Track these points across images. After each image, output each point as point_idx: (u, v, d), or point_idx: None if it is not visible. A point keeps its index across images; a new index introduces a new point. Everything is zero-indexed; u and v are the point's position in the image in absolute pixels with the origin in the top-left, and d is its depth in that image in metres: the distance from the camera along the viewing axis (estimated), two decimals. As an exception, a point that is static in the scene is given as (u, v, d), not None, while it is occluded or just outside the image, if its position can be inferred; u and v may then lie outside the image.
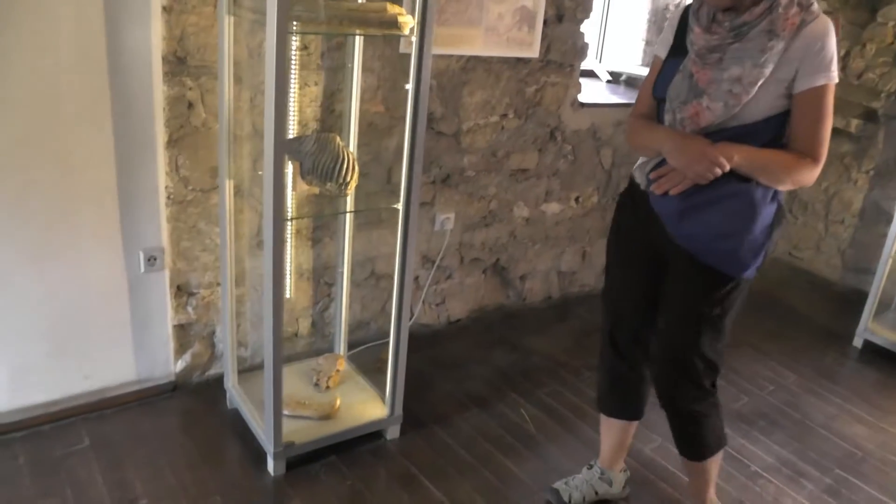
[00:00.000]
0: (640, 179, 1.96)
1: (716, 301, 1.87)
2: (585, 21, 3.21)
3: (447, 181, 3.06)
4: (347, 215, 2.63)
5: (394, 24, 2.08)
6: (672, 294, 1.96)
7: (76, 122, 2.29)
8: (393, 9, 2.09)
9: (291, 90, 2.35)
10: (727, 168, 1.69)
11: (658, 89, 1.89)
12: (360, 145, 2.60)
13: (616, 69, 4.15)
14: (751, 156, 1.71)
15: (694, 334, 1.91)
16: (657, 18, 4.12)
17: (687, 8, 1.86)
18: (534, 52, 3.04)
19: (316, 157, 2.14)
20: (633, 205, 2.01)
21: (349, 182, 2.16)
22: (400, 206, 2.25)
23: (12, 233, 2.29)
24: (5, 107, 2.17)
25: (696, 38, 1.77)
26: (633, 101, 3.59)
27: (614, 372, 2.19)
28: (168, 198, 2.50)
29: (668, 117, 1.83)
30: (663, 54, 1.92)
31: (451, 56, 2.85)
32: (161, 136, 2.42)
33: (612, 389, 2.23)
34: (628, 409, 2.24)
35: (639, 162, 2.00)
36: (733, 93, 1.70)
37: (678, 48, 1.85)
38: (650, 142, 1.89)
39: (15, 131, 2.21)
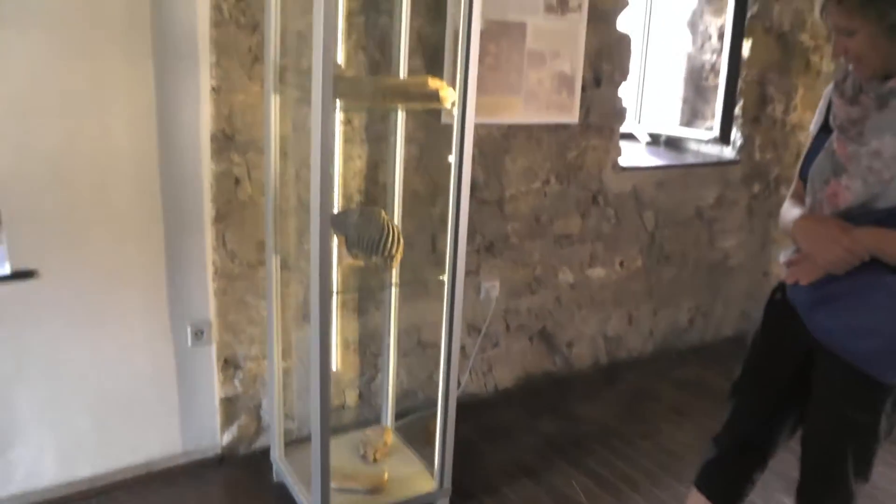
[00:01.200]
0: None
1: (865, 406, 1.65)
2: (623, 84, 3.23)
3: (491, 249, 3.06)
4: (393, 287, 2.64)
5: (435, 97, 2.11)
6: (818, 396, 1.76)
7: (127, 198, 2.36)
8: (434, 83, 2.12)
9: (336, 164, 2.39)
10: (865, 256, 1.52)
11: (804, 168, 1.74)
12: (404, 215, 2.62)
13: (655, 130, 4.15)
14: (894, 242, 1.52)
15: (840, 442, 1.70)
16: (694, 78, 4.13)
17: None
18: (573, 116, 3.05)
19: (361, 230, 2.16)
20: (781, 294, 1.82)
21: (394, 255, 2.17)
22: (445, 277, 2.25)
23: (62, 305, 2.34)
24: (63, 185, 2.25)
25: (838, 110, 1.64)
26: (673, 163, 3.65)
27: (730, 455, 1.98)
28: (215, 272, 2.53)
29: (808, 199, 1.69)
30: (814, 131, 1.77)
31: (493, 124, 2.88)
32: (209, 211, 2.47)
33: (720, 470, 2.01)
34: (730, 495, 2.01)
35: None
36: (873, 169, 1.53)
37: (826, 125, 1.70)
38: (787, 226, 1.73)
39: (70, 208, 2.28)
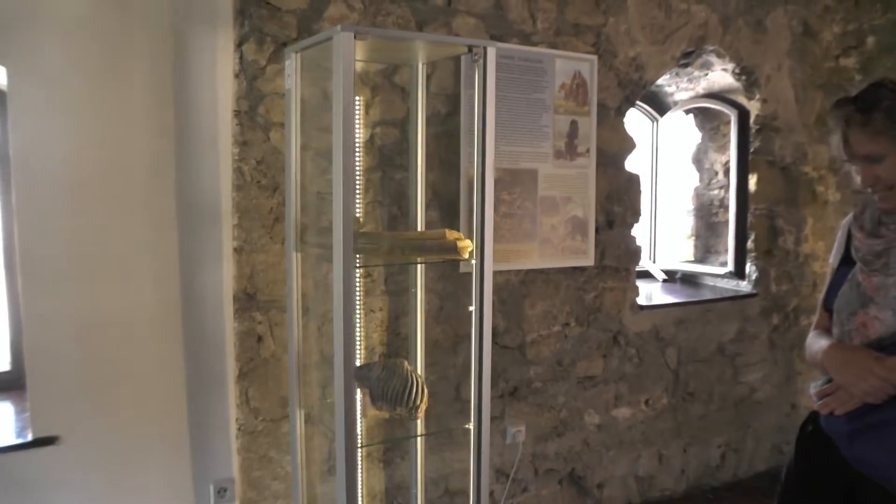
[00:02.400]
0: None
1: None
2: (636, 224, 3.29)
3: (515, 394, 3.03)
4: (419, 438, 2.60)
5: (453, 249, 2.15)
6: None
7: (151, 359, 2.38)
8: (451, 235, 2.17)
9: (357, 318, 2.41)
10: None
11: (829, 300, 1.75)
12: (426, 364, 2.62)
13: (670, 267, 4.19)
14: None
15: None
16: (703, 213, 4.21)
17: None
18: (589, 259, 3.10)
19: (385, 382, 2.15)
20: (814, 425, 1.79)
21: (419, 405, 2.16)
22: (471, 425, 2.23)
23: (84, 470, 2.32)
24: (87, 348, 2.29)
25: (860, 243, 1.65)
26: (691, 300, 3.65)
27: None
28: (239, 429, 2.51)
29: (836, 330, 1.69)
30: (835, 263, 1.79)
31: (510, 270, 2.92)
32: (232, 369, 2.48)
33: None
34: None
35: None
36: None
37: (848, 257, 1.72)
38: (815, 356, 1.72)
39: (94, 372, 2.30)
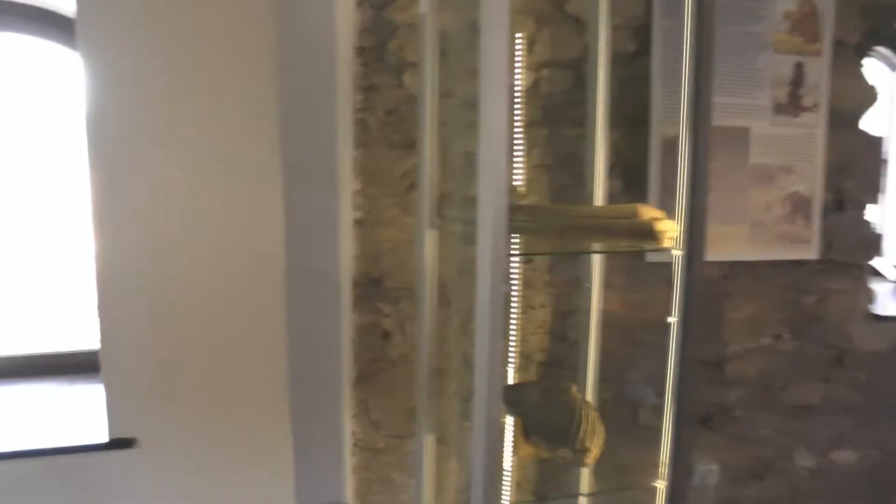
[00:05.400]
0: None
1: None
2: (871, 206, 2.52)
3: (708, 422, 2.37)
4: (585, 497, 2.00)
5: (649, 233, 1.52)
6: None
7: (247, 358, 1.98)
8: (646, 212, 1.55)
9: (512, 317, 1.85)
10: None
11: None
12: (599, 381, 2.02)
13: (900, 263, 3.35)
14: None
15: None
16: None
17: None
18: (812, 251, 2.37)
19: (544, 412, 1.59)
20: None
21: (589, 449, 1.56)
22: (660, 482, 1.61)
23: (164, 479, 1.99)
24: (171, 342, 1.93)
25: None
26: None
27: None
28: (355, 444, 2.06)
29: None
30: None
31: (709, 262, 2.25)
32: (348, 372, 1.99)
33: None
34: None
35: None
36: None
37: None
38: None
39: (179, 370, 1.95)
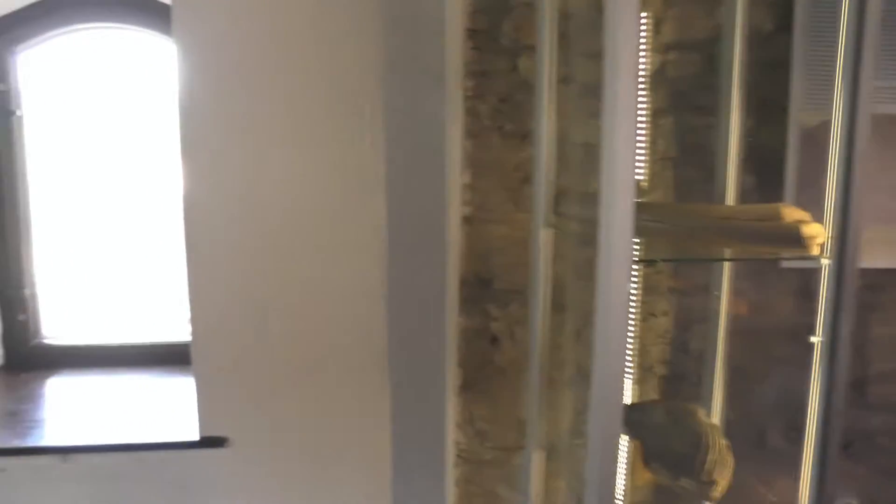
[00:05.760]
0: None
1: None
2: None
3: (848, 449, 2.14)
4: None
5: (795, 239, 1.33)
6: None
7: (345, 357, 1.92)
8: (791, 213, 1.36)
9: (631, 325, 1.69)
10: None
11: None
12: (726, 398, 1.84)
13: None
14: None
15: None
16: None
17: None
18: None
19: (666, 436, 1.42)
20: None
21: (716, 483, 1.39)
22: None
23: (256, 481, 1.95)
24: (269, 338, 1.87)
25: None
26: None
27: None
28: (458, 455, 1.94)
29: None
30: None
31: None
32: (453, 377, 1.87)
33: None
34: None
35: None
36: None
37: None
38: None
39: (275, 367, 1.90)
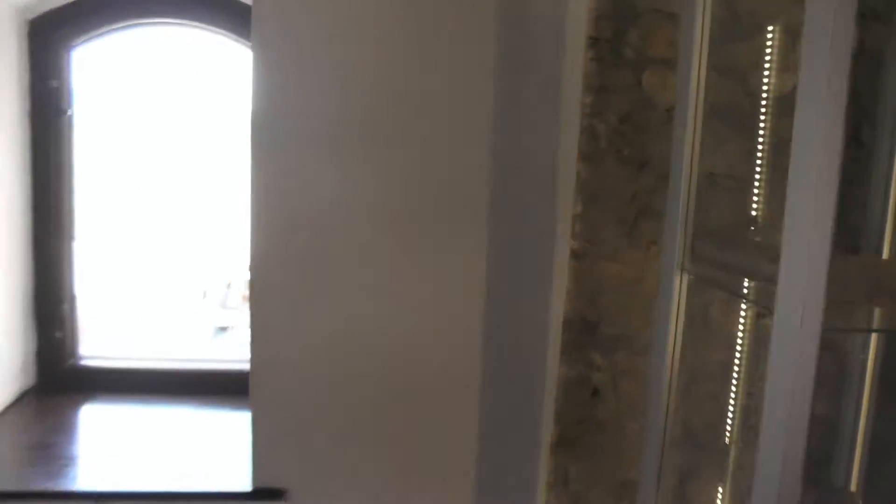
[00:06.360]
0: None
1: None
2: None
3: None
4: None
5: None
6: None
7: (419, 402, 1.72)
8: None
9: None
10: None
11: None
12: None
13: None
14: None
15: None
16: None
17: None
18: None
19: None
20: None
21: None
22: None
23: None
24: (321, 374, 1.70)
25: None
26: None
27: None
28: None
29: None
30: None
31: None
32: (548, 431, 1.64)
33: None
34: None
35: None
36: None
37: None
38: None
39: (339, 413, 1.73)
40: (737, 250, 1.32)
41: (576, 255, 1.58)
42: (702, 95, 1.33)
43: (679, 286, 1.36)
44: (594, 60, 1.54)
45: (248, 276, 1.63)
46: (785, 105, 1.55)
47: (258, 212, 1.60)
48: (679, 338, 1.41)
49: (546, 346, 1.58)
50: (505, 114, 1.52)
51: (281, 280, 1.60)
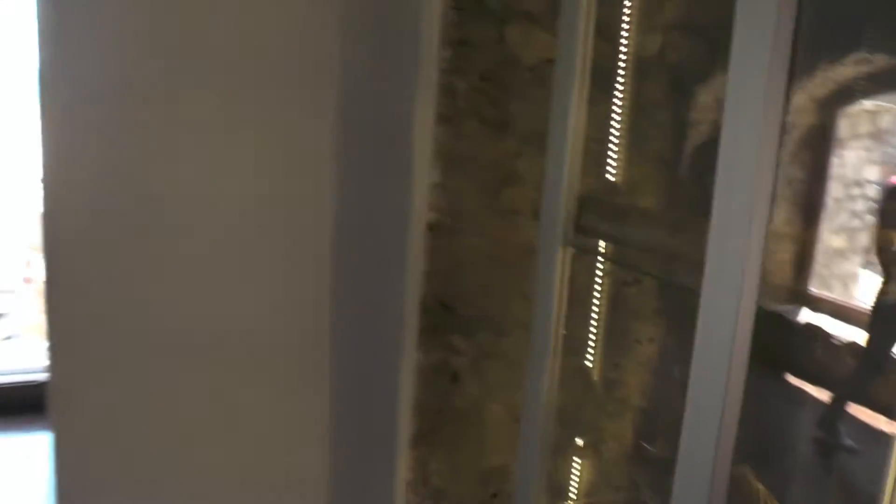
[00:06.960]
0: None
1: None
2: None
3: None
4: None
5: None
6: None
7: (268, 398, 1.47)
8: None
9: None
10: None
11: None
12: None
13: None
14: None
15: None
16: None
17: None
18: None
19: None
20: None
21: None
22: None
23: None
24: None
25: None
26: None
27: None
28: None
29: None
30: None
31: None
32: (405, 426, 1.50)
33: None
34: None
35: None
36: None
37: None
38: None
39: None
40: (623, 221, 1.21)
41: (433, 230, 1.41)
42: (589, 55, 1.19)
43: (562, 260, 1.23)
44: (455, 10, 1.37)
45: (40, 261, 1.31)
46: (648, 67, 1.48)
47: (51, 182, 1.29)
48: (563, 315, 1.28)
49: (401, 330, 1.41)
50: (356, 70, 1.32)
51: (85, 266, 1.31)
